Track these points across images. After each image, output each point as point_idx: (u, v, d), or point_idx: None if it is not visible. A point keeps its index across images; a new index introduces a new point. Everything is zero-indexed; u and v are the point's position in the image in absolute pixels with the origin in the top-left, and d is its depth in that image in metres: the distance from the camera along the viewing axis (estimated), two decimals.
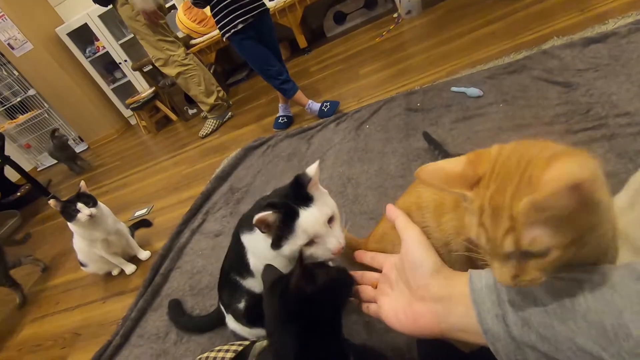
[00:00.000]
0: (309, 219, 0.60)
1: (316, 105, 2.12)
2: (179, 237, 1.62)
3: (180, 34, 3.48)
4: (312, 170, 0.64)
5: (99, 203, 1.51)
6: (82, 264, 1.63)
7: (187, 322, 1.15)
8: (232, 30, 1.96)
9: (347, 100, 2.18)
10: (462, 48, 2.06)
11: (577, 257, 0.29)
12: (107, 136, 4.58)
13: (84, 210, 1.41)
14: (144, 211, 2.12)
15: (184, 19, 3.49)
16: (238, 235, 0.78)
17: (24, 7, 3.84)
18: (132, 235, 1.68)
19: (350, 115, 1.90)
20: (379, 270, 0.53)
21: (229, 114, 3.00)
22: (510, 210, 0.28)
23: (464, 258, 0.41)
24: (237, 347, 0.73)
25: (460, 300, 0.38)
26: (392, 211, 0.49)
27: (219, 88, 2.96)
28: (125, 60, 4.18)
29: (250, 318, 0.85)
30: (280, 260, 0.65)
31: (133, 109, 3.83)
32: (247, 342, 0.74)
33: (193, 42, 3.66)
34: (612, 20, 1.49)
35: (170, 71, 2.77)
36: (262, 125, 2.53)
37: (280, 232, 0.61)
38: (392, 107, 1.76)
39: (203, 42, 3.60)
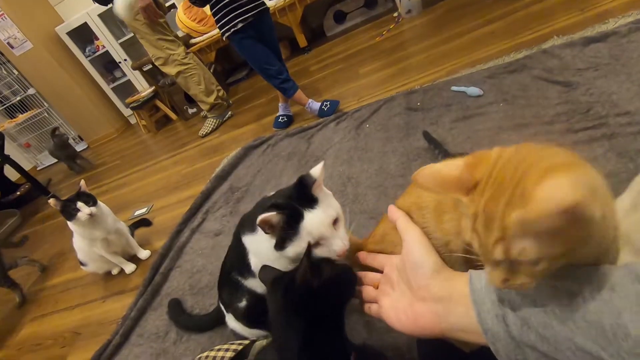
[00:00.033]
0: (313, 220, 0.60)
1: (316, 105, 2.12)
2: (178, 237, 1.62)
3: (180, 33, 3.48)
4: (316, 171, 0.63)
5: (99, 202, 1.51)
6: (81, 263, 1.63)
7: (187, 321, 1.15)
8: (232, 30, 1.95)
9: (347, 99, 2.18)
10: (462, 47, 2.06)
11: (576, 259, 0.29)
12: (107, 135, 4.58)
13: (84, 210, 1.41)
14: (143, 210, 2.12)
15: (183, 18, 3.48)
16: (239, 235, 0.78)
17: (24, 6, 3.84)
18: (132, 235, 1.68)
19: (350, 114, 1.90)
20: (380, 271, 0.53)
21: (229, 113, 3.00)
22: (501, 220, 0.28)
23: (463, 258, 0.41)
24: (237, 346, 0.73)
25: (461, 300, 0.38)
26: (394, 212, 0.49)
27: (219, 87, 2.96)
28: (125, 60, 4.18)
29: (250, 318, 0.85)
30: (282, 261, 0.65)
31: (133, 108, 3.83)
32: (247, 342, 0.74)
33: (193, 41, 3.66)
34: (612, 19, 1.49)
35: (170, 70, 2.76)
36: (262, 124, 2.53)
37: (284, 234, 0.61)
38: (392, 107, 1.76)
39: (203, 41, 3.59)
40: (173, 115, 3.87)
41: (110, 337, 1.24)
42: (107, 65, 4.43)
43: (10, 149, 4.04)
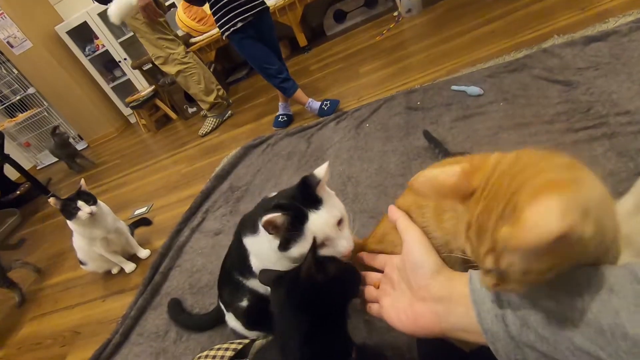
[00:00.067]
0: (318, 221, 0.59)
1: (316, 104, 2.11)
2: (178, 236, 1.62)
3: (180, 32, 3.48)
4: (321, 171, 0.63)
5: (99, 201, 1.51)
6: (81, 263, 1.63)
7: (186, 320, 1.15)
8: (232, 29, 1.95)
9: (347, 98, 2.18)
10: (462, 47, 2.06)
11: (568, 268, 0.29)
12: (107, 135, 4.57)
13: (84, 208, 1.41)
14: (143, 210, 2.12)
15: (183, 17, 3.48)
16: (240, 237, 0.77)
17: (24, 5, 3.83)
18: (132, 234, 1.68)
19: (350, 113, 1.90)
20: (380, 271, 0.53)
21: (229, 112, 3.00)
22: (492, 233, 0.29)
23: (462, 258, 0.41)
24: (236, 345, 0.73)
25: (461, 300, 0.38)
26: (393, 212, 0.49)
27: (219, 86, 2.96)
28: (125, 59, 4.17)
29: (251, 318, 0.85)
30: (284, 262, 0.64)
31: (133, 108, 3.83)
32: (246, 341, 0.74)
33: (193, 40, 3.66)
34: (612, 18, 1.49)
35: (170, 69, 2.76)
36: (262, 123, 2.53)
37: (288, 235, 0.60)
38: (392, 106, 1.76)
39: (203, 40, 3.59)
40: (173, 115, 3.86)
41: (110, 336, 1.24)
42: (107, 64, 4.43)
43: (10, 148, 4.04)
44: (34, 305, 1.78)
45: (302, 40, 3.61)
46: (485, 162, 0.32)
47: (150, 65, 3.55)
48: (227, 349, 0.72)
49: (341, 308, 0.55)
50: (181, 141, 3.07)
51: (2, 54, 4.09)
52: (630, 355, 0.24)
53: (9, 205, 3.30)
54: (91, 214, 1.42)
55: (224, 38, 2.04)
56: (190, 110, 3.64)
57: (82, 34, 4.10)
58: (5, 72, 4.25)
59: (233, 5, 1.90)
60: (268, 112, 2.62)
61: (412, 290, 0.44)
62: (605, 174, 0.91)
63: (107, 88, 4.44)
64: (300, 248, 0.60)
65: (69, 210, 1.41)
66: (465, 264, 0.41)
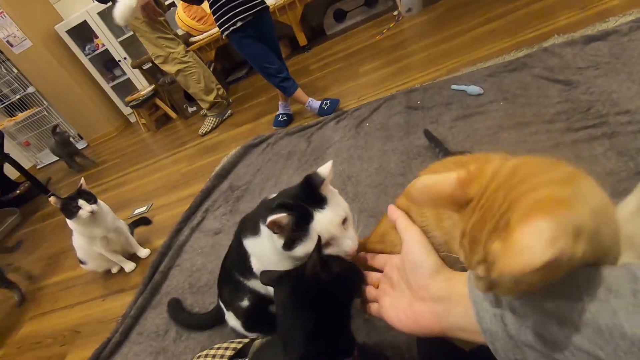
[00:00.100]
0: (323, 221, 0.59)
1: (316, 103, 2.11)
2: (178, 235, 1.62)
3: (179, 32, 3.48)
4: (325, 170, 0.62)
5: (99, 200, 1.51)
6: (81, 262, 1.63)
7: (186, 319, 1.15)
8: (231, 28, 1.95)
9: (347, 98, 2.18)
10: (462, 46, 2.06)
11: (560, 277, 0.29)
12: (107, 134, 4.57)
13: (85, 207, 1.41)
14: (143, 209, 2.12)
15: (183, 16, 3.48)
16: (240, 238, 0.77)
17: (23, 4, 3.83)
18: (132, 233, 1.68)
19: (350, 113, 1.90)
20: (380, 271, 0.53)
21: (229, 111, 3.00)
22: (484, 245, 0.29)
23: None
24: (236, 344, 0.73)
25: (460, 300, 0.38)
26: (393, 212, 0.49)
27: (219, 86, 2.95)
28: (125, 58, 4.17)
29: (250, 319, 0.85)
30: (285, 264, 0.64)
31: (133, 107, 3.83)
32: (246, 340, 0.74)
33: (193, 39, 3.65)
34: (613, 18, 1.48)
35: (170, 69, 2.76)
36: (261, 123, 2.53)
37: (293, 235, 0.60)
38: (392, 105, 1.76)
39: (203, 39, 3.59)
40: (173, 114, 3.86)
41: (110, 336, 1.24)
42: (107, 63, 4.42)
43: (9, 148, 4.04)
44: (34, 305, 1.78)
45: (302, 40, 3.60)
46: (483, 171, 0.32)
47: (150, 65, 3.55)
48: (227, 348, 0.72)
49: (345, 306, 0.55)
50: (181, 140, 3.07)
51: (2, 53, 4.09)
52: (629, 355, 0.24)
53: (9, 204, 3.30)
54: (92, 212, 1.43)
55: (223, 37, 2.03)
56: (190, 109, 3.64)
57: (82, 33, 4.10)
58: (5, 71, 4.24)
59: (232, 4, 1.90)
60: (268, 111, 2.62)
61: (411, 289, 0.44)
62: (605, 174, 0.91)
63: (107, 87, 4.44)
64: (305, 247, 0.60)
65: (69, 209, 1.41)
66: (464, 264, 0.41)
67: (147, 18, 2.49)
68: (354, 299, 0.56)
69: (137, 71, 4.12)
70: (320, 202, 0.61)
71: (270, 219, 0.57)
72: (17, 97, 4.37)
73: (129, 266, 1.61)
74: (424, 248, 0.43)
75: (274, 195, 0.72)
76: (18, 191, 3.48)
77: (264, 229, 0.69)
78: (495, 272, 0.27)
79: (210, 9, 1.97)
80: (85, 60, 4.23)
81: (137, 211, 2.13)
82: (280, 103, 2.31)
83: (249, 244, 0.75)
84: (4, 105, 4.40)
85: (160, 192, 2.25)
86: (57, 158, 4.13)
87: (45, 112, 4.47)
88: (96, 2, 2.66)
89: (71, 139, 3.87)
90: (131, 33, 3.75)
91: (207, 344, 1.02)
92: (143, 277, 1.44)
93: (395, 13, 3.17)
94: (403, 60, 2.32)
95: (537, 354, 0.30)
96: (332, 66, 2.90)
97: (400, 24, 3.02)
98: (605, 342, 0.25)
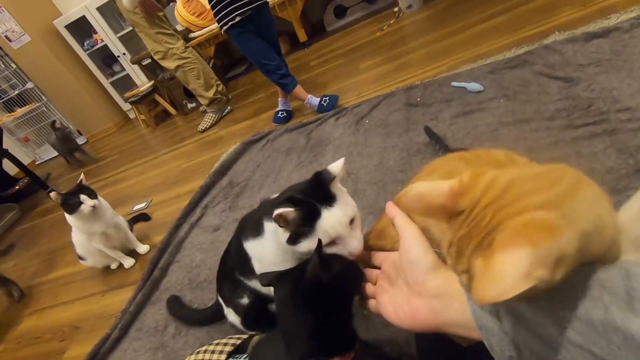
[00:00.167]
0: (331, 219, 0.58)
1: (315, 100, 2.11)
2: (177, 231, 1.62)
3: (179, 27, 3.46)
4: (336, 167, 0.61)
5: (98, 196, 1.51)
6: (80, 258, 1.63)
7: (185, 315, 1.15)
8: (230, 23, 1.94)
9: (347, 94, 2.17)
10: (463, 42, 2.05)
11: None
12: (106, 130, 4.56)
13: (87, 202, 1.42)
14: (142, 205, 2.12)
15: (182, 12, 3.46)
16: (240, 240, 0.76)
17: None
18: (131, 229, 1.67)
19: (350, 109, 1.89)
20: (378, 268, 0.53)
21: (228, 108, 2.99)
22: (469, 258, 0.30)
23: None
24: (235, 340, 0.73)
25: (456, 296, 0.39)
26: (391, 209, 0.49)
27: (218, 82, 2.94)
28: (124, 54, 4.15)
29: (250, 317, 0.85)
30: (287, 265, 0.64)
31: (132, 103, 3.82)
32: (245, 336, 0.74)
33: (192, 35, 3.64)
34: (614, 15, 1.48)
35: (169, 64, 2.75)
36: (261, 119, 2.52)
37: (299, 230, 0.59)
38: (392, 102, 1.75)
39: (202, 35, 3.57)
40: (172, 110, 3.85)
41: (109, 331, 1.24)
42: (106, 59, 4.40)
43: (8, 143, 4.04)
44: (34, 300, 1.78)
45: (302, 36, 3.59)
46: (476, 183, 0.32)
47: (150, 60, 3.53)
48: (225, 344, 0.73)
49: (345, 304, 0.55)
50: (180, 137, 3.06)
51: (0, 48, 4.07)
52: (623, 349, 0.24)
53: (8, 200, 3.30)
54: (94, 207, 1.43)
55: (222, 32, 2.02)
56: (190, 105, 3.63)
57: (81, 28, 4.08)
58: (3, 66, 4.23)
59: None
60: (267, 107, 2.61)
61: (409, 286, 0.45)
62: (605, 171, 0.91)
63: (106, 83, 4.42)
64: (309, 244, 0.59)
65: (70, 204, 1.41)
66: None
67: (145, 13, 2.48)
68: (354, 296, 0.56)
69: (136, 67, 4.10)
70: (329, 199, 0.60)
71: (277, 211, 0.56)
72: (16, 92, 4.36)
73: (128, 262, 1.61)
74: (422, 245, 0.43)
75: (275, 195, 0.72)
76: (17, 187, 3.48)
77: (267, 227, 0.68)
78: (472, 293, 0.28)
79: (210, 3, 1.96)
80: (84, 56, 4.22)
81: (136, 207, 2.13)
82: (279, 99, 2.30)
83: (250, 246, 0.74)
84: (2, 100, 4.39)
85: (160, 188, 2.25)
86: (56, 154, 4.12)
87: (44, 108, 4.46)
88: None
89: (72, 135, 3.87)
90: (130, 28, 3.74)
91: (206, 339, 1.02)
92: (142, 273, 1.44)
93: (396, 9, 3.16)
94: (403, 56, 2.31)
95: (531, 350, 0.30)
96: (332, 63, 2.89)
97: (400, 20, 3.01)
98: (599, 337, 0.26)
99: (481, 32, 2.05)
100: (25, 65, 4.13)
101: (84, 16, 3.93)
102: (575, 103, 1.17)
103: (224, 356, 0.69)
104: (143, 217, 1.79)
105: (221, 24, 1.97)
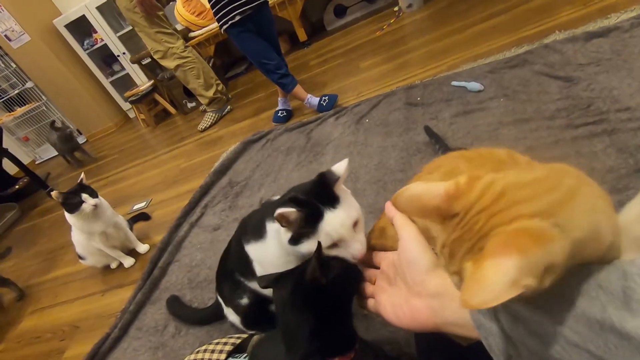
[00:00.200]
0: (334, 221, 0.57)
1: (315, 100, 2.10)
2: (177, 231, 1.62)
3: (179, 27, 3.45)
4: (340, 168, 0.60)
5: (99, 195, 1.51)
6: (80, 257, 1.63)
7: (185, 314, 1.15)
8: (230, 22, 1.94)
9: (347, 94, 2.17)
10: (463, 42, 2.05)
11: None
12: (106, 129, 4.56)
13: (89, 201, 1.42)
14: (142, 204, 2.12)
15: (182, 11, 3.45)
16: (241, 243, 0.76)
17: None
18: (131, 229, 1.68)
19: (349, 109, 1.89)
20: (377, 267, 0.54)
21: (228, 107, 2.99)
22: (460, 260, 0.31)
23: None
24: (235, 339, 0.73)
25: (455, 296, 0.38)
26: (391, 209, 0.49)
27: (218, 81, 2.94)
28: (124, 53, 4.15)
29: (250, 317, 0.85)
30: (289, 266, 0.64)
31: (132, 102, 3.81)
32: (245, 335, 0.75)
33: (192, 34, 3.63)
34: (614, 14, 1.48)
35: (169, 64, 2.75)
36: (261, 119, 2.52)
37: (301, 230, 0.59)
38: (392, 101, 1.75)
39: (202, 34, 3.57)
40: (172, 110, 3.85)
41: (109, 331, 1.24)
42: (106, 58, 4.40)
43: (8, 143, 4.04)
44: (34, 300, 1.78)
45: (302, 35, 3.58)
46: (472, 187, 0.32)
47: (149, 60, 3.53)
48: (225, 344, 0.73)
49: (345, 305, 0.55)
50: (180, 136, 3.06)
51: (0, 47, 4.06)
52: (620, 348, 0.25)
53: (8, 199, 3.30)
54: (95, 206, 1.43)
55: (222, 32, 2.02)
56: (190, 105, 3.63)
57: (81, 27, 4.08)
58: (3, 65, 4.23)
59: None
60: (267, 107, 2.61)
61: (407, 286, 0.45)
62: (605, 170, 0.91)
63: (105, 82, 4.42)
64: (311, 245, 0.58)
65: (72, 203, 1.41)
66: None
67: (144, 13, 2.48)
68: (353, 296, 0.56)
69: (136, 66, 4.10)
70: (333, 201, 0.59)
71: (279, 211, 0.56)
72: (16, 91, 4.35)
73: (128, 261, 1.61)
74: (421, 245, 0.44)
75: (277, 197, 0.71)
76: (17, 186, 3.48)
77: (270, 228, 0.68)
78: (460, 297, 0.28)
79: (209, 2, 1.96)
80: (84, 55, 4.21)
81: (136, 207, 2.13)
82: (279, 99, 2.30)
83: (252, 249, 0.74)
84: (2, 100, 4.38)
85: (160, 188, 2.25)
86: (56, 153, 4.12)
87: (44, 107, 4.46)
88: None
89: (73, 134, 3.86)
90: (130, 28, 3.73)
91: (206, 339, 1.02)
92: (142, 273, 1.44)
93: (396, 9, 3.15)
94: (403, 56, 2.31)
95: (529, 349, 0.30)
96: (331, 62, 2.89)
97: (400, 19, 3.01)
98: (596, 336, 0.26)
99: (481, 32, 2.05)
100: (25, 65, 4.13)
101: (83, 15, 3.92)
102: (575, 102, 1.17)
103: (223, 355, 0.70)
104: (143, 216, 1.79)
105: (221, 23, 1.97)
